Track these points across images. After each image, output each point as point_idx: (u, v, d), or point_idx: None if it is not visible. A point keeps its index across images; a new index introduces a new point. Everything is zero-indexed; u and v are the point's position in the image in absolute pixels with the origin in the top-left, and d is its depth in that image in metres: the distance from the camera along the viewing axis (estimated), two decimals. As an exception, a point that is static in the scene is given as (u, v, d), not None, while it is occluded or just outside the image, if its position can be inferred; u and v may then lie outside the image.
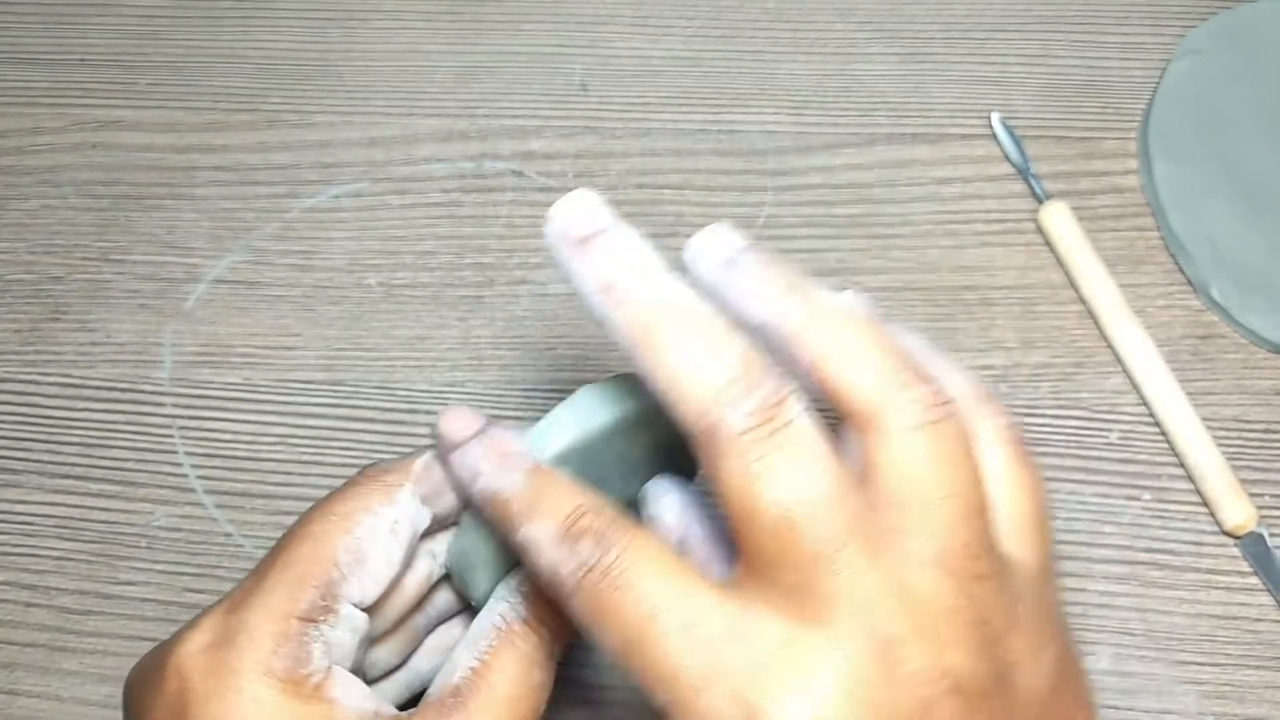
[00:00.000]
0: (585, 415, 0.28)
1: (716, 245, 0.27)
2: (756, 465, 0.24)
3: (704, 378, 0.24)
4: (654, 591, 0.24)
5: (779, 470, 0.24)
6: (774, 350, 0.25)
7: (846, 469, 0.24)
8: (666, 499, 0.29)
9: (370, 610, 0.29)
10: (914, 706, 0.23)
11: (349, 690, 0.27)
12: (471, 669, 0.28)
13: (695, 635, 0.23)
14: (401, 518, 0.29)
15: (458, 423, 0.28)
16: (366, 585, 0.28)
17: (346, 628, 0.28)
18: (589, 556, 0.25)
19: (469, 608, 0.32)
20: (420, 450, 0.30)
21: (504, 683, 0.28)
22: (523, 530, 0.26)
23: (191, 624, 0.28)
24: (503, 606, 0.29)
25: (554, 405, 0.29)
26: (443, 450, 0.29)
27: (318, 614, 0.27)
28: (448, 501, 0.30)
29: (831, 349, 0.25)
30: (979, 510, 0.25)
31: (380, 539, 0.29)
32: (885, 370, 0.25)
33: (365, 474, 0.30)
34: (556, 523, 0.25)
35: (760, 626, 0.24)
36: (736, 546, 0.25)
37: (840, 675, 0.23)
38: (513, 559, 0.29)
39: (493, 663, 0.28)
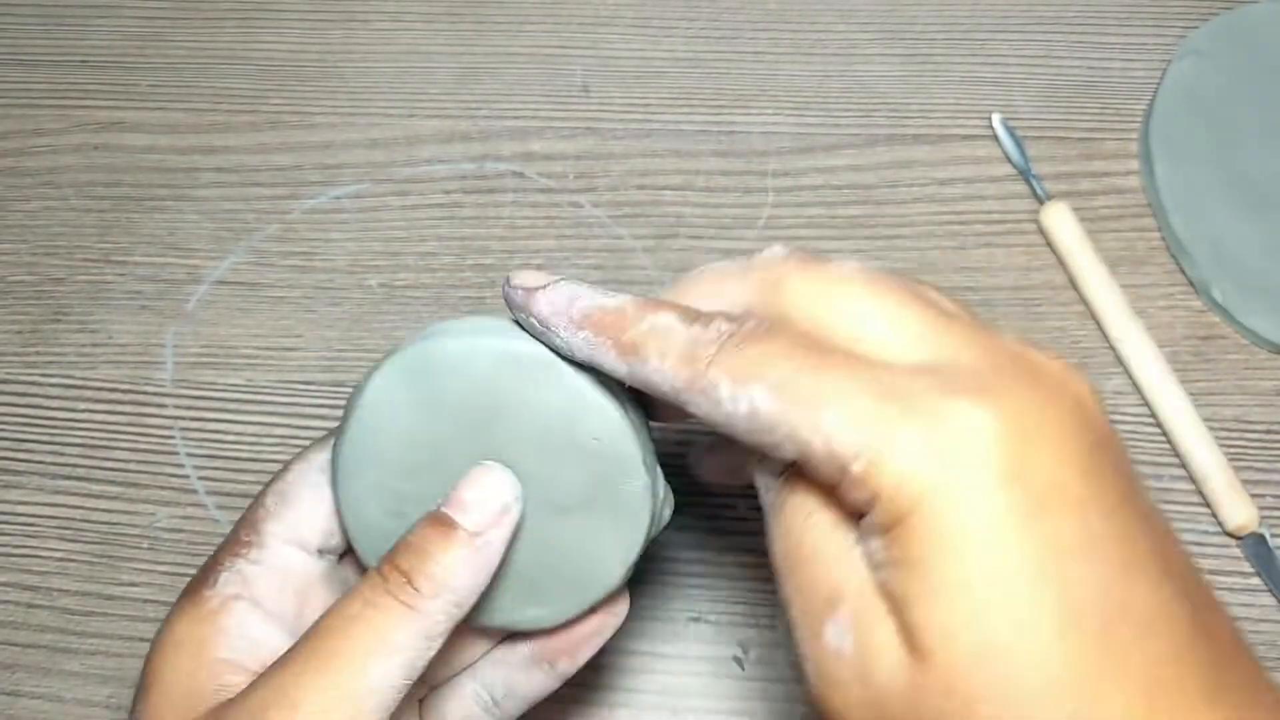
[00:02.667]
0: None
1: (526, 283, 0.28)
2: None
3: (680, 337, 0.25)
4: (807, 348, 0.24)
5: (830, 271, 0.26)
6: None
7: None
8: None
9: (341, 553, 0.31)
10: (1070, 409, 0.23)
11: (244, 621, 0.28)
12: None
13: (866, 381, 0.23)
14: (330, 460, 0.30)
15: (533, 276, 0.27)
16: (299, 523, 0.30)
17: (272, 563, 0.30)
18: (728, 326, 0.24)
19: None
20: None
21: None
22: (647, 320, 0.25)
23: None
24: None
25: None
26: (521, 295, 0.27)
27: (238, 548, 0.30)
28: None
29: (658, 311, 0.26)
30: None
31: (309, 479, 0.30)
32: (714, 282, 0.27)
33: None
34: (684, 313, 0.25)
35: (934, 362, 0.23)
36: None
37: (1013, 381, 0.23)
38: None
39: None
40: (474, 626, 0.30)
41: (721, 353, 0.24)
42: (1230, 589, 0.41)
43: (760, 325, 0.24)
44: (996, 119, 0.49)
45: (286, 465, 0.31)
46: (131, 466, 0.44)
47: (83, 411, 0.45)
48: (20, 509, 0.44)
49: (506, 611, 0.30)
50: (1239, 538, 0.42)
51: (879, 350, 0.24)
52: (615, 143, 0.49)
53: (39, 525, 0.43)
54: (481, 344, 0.28)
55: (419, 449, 0.29)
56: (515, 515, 0.28)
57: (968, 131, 0.49)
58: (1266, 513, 0.42)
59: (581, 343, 0.26)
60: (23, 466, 0.44)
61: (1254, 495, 0.42)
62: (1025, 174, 0.48)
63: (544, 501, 0.28)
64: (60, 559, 0.43)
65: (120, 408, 0.45)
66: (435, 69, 0.51)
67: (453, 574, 0.27)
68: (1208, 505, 0.42)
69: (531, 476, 0.28)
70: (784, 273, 0.25)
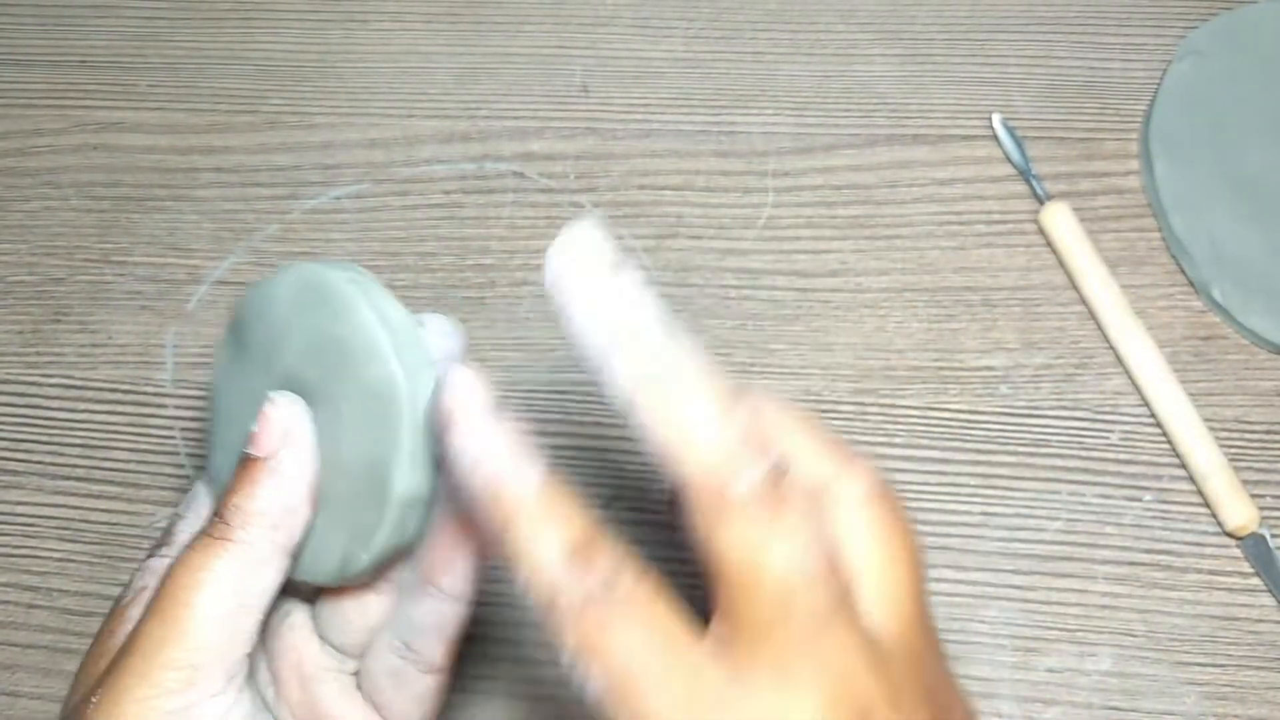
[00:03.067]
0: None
1: (565, 255, 0.26)
2: (765, 532, 0.24)
3: (714, 439, 0.24)
4: (653, 640, 0.24)
5: (786, 540, 0.24)
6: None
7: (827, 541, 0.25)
8: None
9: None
10: None
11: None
12: None
13: (689, 693, 0.23)
14: None
15: (472, 392, 0.26)
16: (202, 515, 0.32)
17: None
18: (596, 589, 0.24)
19: None
20: None
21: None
22: (526, 540, 0.25)
23: None
24: None
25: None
26: (446, 414, 0.26)
27: (155, 550, 0.32)
28: None
29: (658, 426, 0.25)
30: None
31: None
32: (710, 449, 0.24)
33: None
34: (568, 541, 0.24)
35: (752, 692, 0.24)
36: (724, 608, 0.24)
37: None
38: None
39: None
40: (301, 580, 0.30)
41: (578, 615, 0.24)
42: (1230, 589, 0.41)
43: (628, 591, 0.24)
44: (996, 119, 0.49)
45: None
46: (132, 467, 0.44)
47: (83, 412, 0.45)
48: (20, 509, 0.44)
49: (328, 560, 0.30)
50: (1239, 538, 0.42)
51: (743, 625, 0.24)
52: (615, 143, 0.49)
53: (39, 525, 0.43)
54: (265, 282, 0.30)
55: (246, 402, 0.30)
56: (303, 431, 0.29)
57: (968, 131, 0.49)
58: (1266, 513, 0.42)
59: (464, 500, 0.26)
60: (22, 467, 0.44)
61: (1254, 495, 0.42)
62: (1025, 174, 0.48)
63: (330, 415, 0.29)
64: (60, 559, 0.43)
65: (120, 408, 0.45)
66: (435, 69, 0.51)
67: (255, 500, 0.28)
68: (1208, 505, 0.42)
69: (315, 390, 0.29)
70: (735, 507, 0.24)
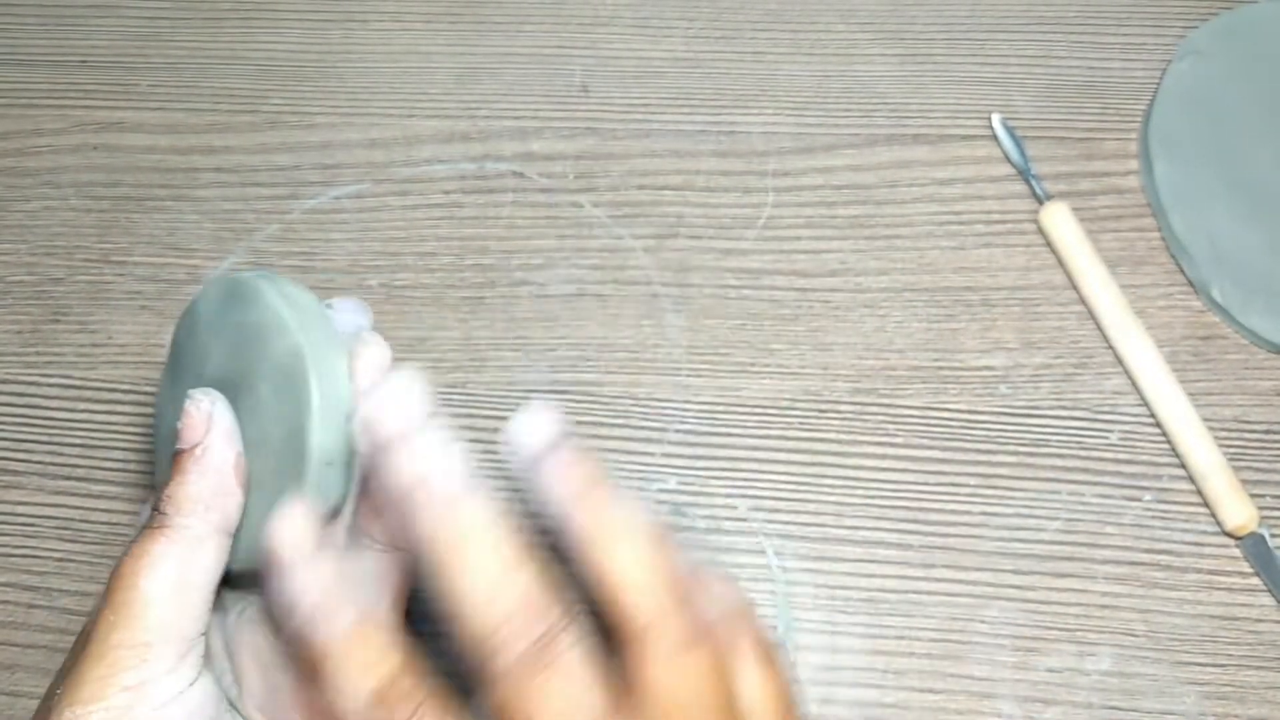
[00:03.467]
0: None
1: (530, 435, 0.27)
2: (518, 697, 0.25)
3: (486, 609, 0.26)
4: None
5: (537, 703, 0.25)
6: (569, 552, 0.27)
7: (606, 696, 0.26)
8: None
9: None
10: None
11: None
12: None
13: None
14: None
15: (297, 531, 0.28)
16: None
17: None
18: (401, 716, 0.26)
19: None
20: None
21: None
22: (331, 680, 0.26)
23: None
24: None
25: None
26: (267, 554, 0.28)
27: None
28: None
29: (609, 566, 0.26)
30: None
31: None
32: (652, 594, 0.26)
33: None
34: (369, 685, 0.26)
35: None
36: None
37: None
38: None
39: None
40: (244, 569, 0.31)
41: None
42: (1229, 589, 0.41)
43: None
44: (996, 119, 0.49)
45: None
46: (131, 467, 0.44)
47: (82, 411, 0.45)
48: (20, 509, 0.44)
49: (260, 539, 0.30)
50: (1239, 538, 0.42)
51: None
52: (615, 143, 0.49)
53: (39, 525, 0.43)
54: (187, 306, 0.32)
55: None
56: (223, 417, 0.30)
57: (968, 131, 0.49)
58: (1266, 513, 0.42)
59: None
60: (22, 467, 0.44)
61: (1253, 495, 0.42)
62: (1025, 174, 0.48)
63: (252, 401, 0.30)
64: (60, 559, 0.43)
65: (120, 408, 0.45)
66: (435, 69, 0.51)
67: (185, 486, 0.30)
68: (1207, 505, 0.42)
69: (238, 382, 0.31)
70: (496, 675, 0.25)
